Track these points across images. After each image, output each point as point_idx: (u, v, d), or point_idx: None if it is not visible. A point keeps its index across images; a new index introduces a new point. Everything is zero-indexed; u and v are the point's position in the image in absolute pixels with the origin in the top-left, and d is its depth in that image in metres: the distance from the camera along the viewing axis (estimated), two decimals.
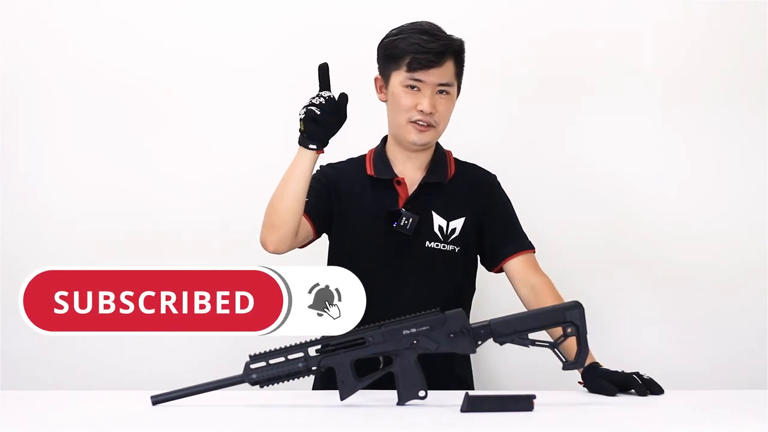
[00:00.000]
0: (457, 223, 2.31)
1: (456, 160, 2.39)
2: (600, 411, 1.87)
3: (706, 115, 2.87)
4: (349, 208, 2.33)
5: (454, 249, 2.30)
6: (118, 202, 2.87)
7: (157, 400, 1.89)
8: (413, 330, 1.89)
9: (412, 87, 2.24)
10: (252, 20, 2.90)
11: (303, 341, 1.90)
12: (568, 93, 2.89)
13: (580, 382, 2.06)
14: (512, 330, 1.90)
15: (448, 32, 2.26)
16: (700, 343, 2.85)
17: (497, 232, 2.34)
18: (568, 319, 1.90)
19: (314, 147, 2.13)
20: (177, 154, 2.89)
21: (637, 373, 2.01)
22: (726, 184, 2.86)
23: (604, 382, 2.00)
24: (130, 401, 1.98)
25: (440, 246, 2.29)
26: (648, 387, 1.99)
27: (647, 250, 2.86)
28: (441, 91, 2.25)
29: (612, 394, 1.98)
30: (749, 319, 2.84)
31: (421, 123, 2.25)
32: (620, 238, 2.87)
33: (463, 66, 2.30)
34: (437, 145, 2.36)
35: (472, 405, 1.77)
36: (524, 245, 2.35)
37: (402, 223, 2.25)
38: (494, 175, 2.41)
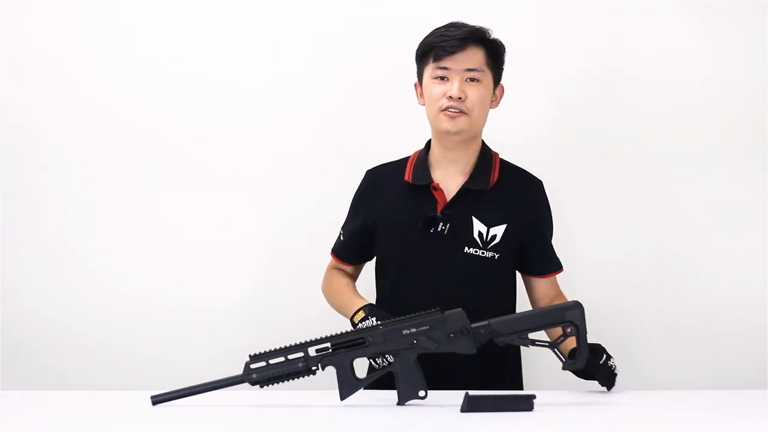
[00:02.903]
0: (498, 230, 2.27)
1: (502, 163, 2.34)
2: (600, 411, 1.87)
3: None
4: (387, 216, 2.32)
5: (494, 256, 2.25)
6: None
7: (157, 400, 1.89)
8: (413, 330, 1.89)
9: (442, 78, 2.25)
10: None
11: (303, 341, 1.90)
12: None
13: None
14: (512, 330, 1.90)
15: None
16: (700, 343, 2.85)
17: (535, 248, 2.31)
18: (568, 319, 1.90)
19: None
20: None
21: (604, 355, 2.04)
22: (727, 185, 2.86)
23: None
24: (130, 401, 1.98)
25: (479, 252, 2.25)
26: (605, 375, 2.02)
27: (647, 250, 2.86)
28: (471, 79, 2.24)
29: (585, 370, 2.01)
30: (749, 319, 2.84)
31: (452, 110, 2.24)
32: (621, 238, 2.87)
33: (498, 57, 2.29)
34: (483, 147, 2.33)
35: (472, 405, 1.77)
36: (555, 266, 2.36)
37: (439, 229, 2.24)
38: (540, 181, 2.36)
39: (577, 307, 1.91)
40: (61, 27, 2.87)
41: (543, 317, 1.92)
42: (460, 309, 1.92)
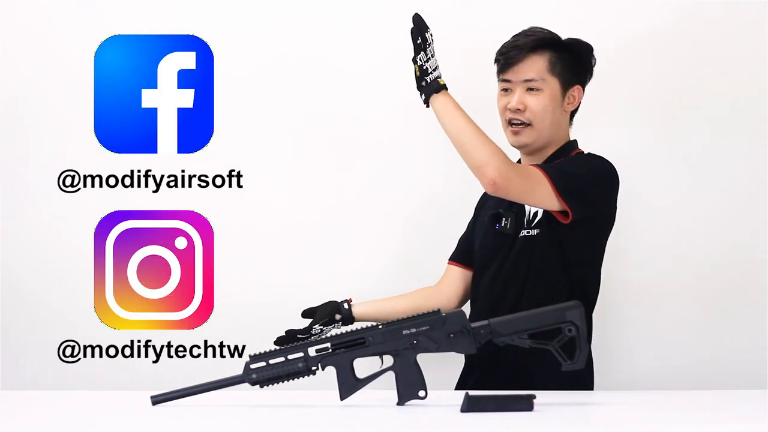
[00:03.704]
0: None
1: (573, 156, 2.32)
2: (600, 411, 1.88)
3: (702, 120, 2.87)
4: (477, 223, 2.44)
5: (537, 233, 2.26)
6: None
7: (157, 400, 1.89)
8: (413, 330, 1.89)
9: (506, 90, 2.30)
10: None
11: (303, 341, 1.90)
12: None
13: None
14: (512, 330, 1.90)
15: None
16: (700, 343, 2.85)
17: None
18: (568, 318, 1.90)
19: None
20: None
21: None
22: (726, 186, 2.86)
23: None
24: (130, 401, 1.98)
25: (526, 232, 2.27)
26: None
27: (647, 250, 2.86)
28: (531, 89, 2.27)
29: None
30: (749, 319, 2.84)
31: (514, 122, 2.28)
32: (620, 238, 2.86)
33: (568, 60, 2.29)
34: (564, 146, 2.33)
35: (472, 405, 1.77)
36: (541, 165, 2.21)
37: (503, 224, 2.29)
38: (597, 156, 2.30)
39: (578, 307, 1.91)
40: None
41: (543, 317, 1.91)
42: (460, 309, 1.92)
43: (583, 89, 2.34)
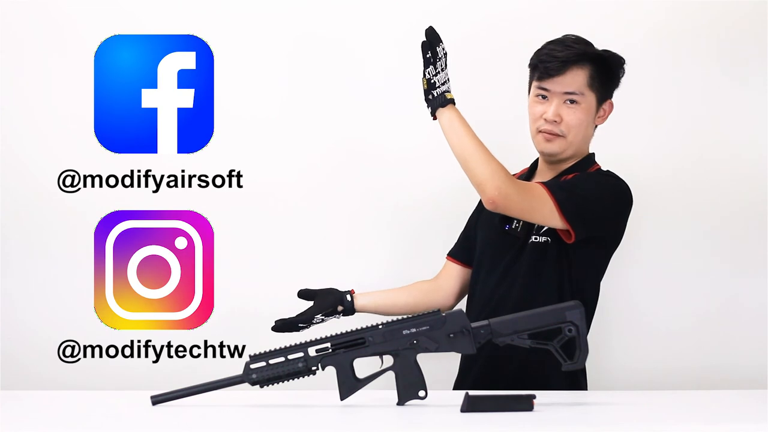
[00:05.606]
0: None
1: (587, 174, 2.31)
2: (600, 411, 1.88)
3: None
4: (480, 220, 2.42)
5: (547, 240, 2.26)
6: None
7: (157, 400, 1.89)
8: (413, 330, 1.89)
9: (543, 97, 2.28)
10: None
11: (303, 341, 1.90)
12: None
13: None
14: (512, 330, 1.90)
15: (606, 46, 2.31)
16: (700, 342, 2.85)
17: None
18: (568, 318, 1.90)
19: None
20: None
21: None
22: (726, 187, 2.86)
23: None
24: (130, 401, 1.98)
25: (536, 239, 2.27)
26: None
27: (646, 249, 2.86)
28: (570, 101, 2.26)
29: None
30: (749, 319, 2.84)
31: (547, 132, 2.27)
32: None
33: (606, 74, 2.28)
34: (583, 159, 2.33)
35: (472, 405, 1.77)
36: (547, 183, 2.21)
37: (514, 226, 2.29)
38: (612, 175, 2.31)
39: (578, 307, 1.91)
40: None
41: (543, 317, 1.91)
42: (460, 309, 1.93)
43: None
